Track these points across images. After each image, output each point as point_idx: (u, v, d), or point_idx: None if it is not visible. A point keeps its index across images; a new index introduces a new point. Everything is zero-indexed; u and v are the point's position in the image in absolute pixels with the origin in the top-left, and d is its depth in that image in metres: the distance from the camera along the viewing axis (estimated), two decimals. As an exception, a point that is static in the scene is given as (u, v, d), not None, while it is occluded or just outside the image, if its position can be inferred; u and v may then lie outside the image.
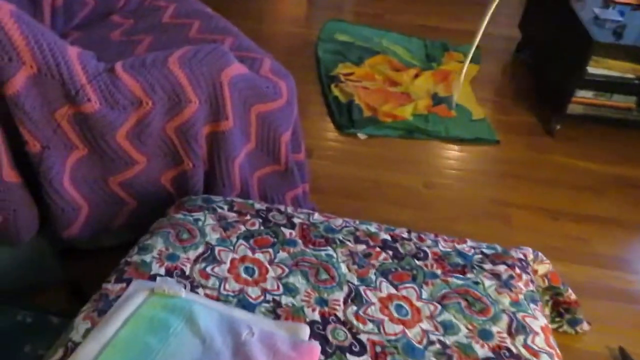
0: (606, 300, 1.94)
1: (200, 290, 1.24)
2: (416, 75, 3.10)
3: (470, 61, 3.28)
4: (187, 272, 1.29)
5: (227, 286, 1.26)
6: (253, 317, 1.16)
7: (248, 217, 1.53)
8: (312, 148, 2.52)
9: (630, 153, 2.71)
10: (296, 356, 1.05)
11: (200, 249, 1.37)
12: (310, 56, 3.33)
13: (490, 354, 1.16)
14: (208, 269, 1.30)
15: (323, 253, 1.42)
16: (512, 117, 2.91)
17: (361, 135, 2.64)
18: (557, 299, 1.71)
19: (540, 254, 1.59)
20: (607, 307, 1.92)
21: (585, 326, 1.75)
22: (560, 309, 1.74)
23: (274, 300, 1.24)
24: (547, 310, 1.72)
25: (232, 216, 1.52)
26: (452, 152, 2.65)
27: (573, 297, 1.70)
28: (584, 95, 2.64)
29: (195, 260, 1.33)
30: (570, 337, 1.76)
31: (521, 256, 1.51)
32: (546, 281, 1.65)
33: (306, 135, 2.46)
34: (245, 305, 1.21)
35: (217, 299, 1.22)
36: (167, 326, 1.07)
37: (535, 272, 1.57)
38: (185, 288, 1.22)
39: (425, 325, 1.23)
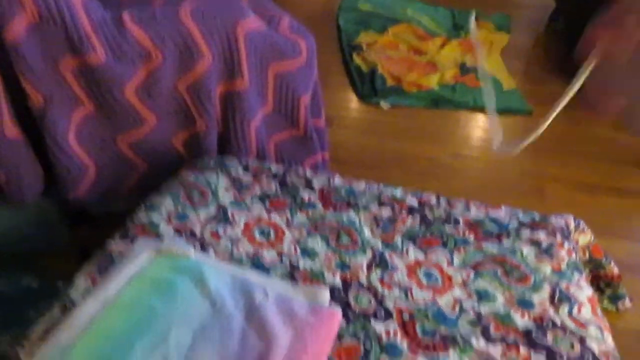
0: (649, 277, 1.80)
1: (211, 251, 1.14)
2: (442, 45, 2.94)
3: (500, 30, 3.12)
4: (198, 233, 1.19)
5: (240, 248, 1.16)
6: (268, 280, 1.06)
7: (264, 179, 1.42)
8: (332, 118, 2.39)
9: (673, 126, 2.52)
10: (315, 321, 0.95)
11: (212, 210, 1.27)
12: (331, 25, 3.19)
13: (532, 324, 1.04)
14: (220, 230, 1.20)
15: (344, 217, 1.30)
16: (546, 87, 2.73)
17: (384, 105, 2.51)
18: (597, 273, 1.57)
19: (582, 222, 1.46)
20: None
21: (627, 302, 1.62)
22: (600, 284, 1.60)
23: (290, 264, 1.13)
24: (588, 286, 1.59)
25: (246, 178, 1.42)
26: (481, 123, 2.50)
27: (616, 271, 1.56)
28: (625, 63, 2.46)
29: (207, 221, 1.23)
30: (611, 315, 1.62)
31: (562, 224, 1.38)
32: (587, 253, 1.51)
33: (326, 105, 2.34)
34: (260, 268, 1.11)
35: (229, 261, 1.12)
36: (174, 288, 0.98)
37: (576, 242, 1.44)
38: (194, 248, 1.12)
39: (458, 292, 1.11)
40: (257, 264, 1.12)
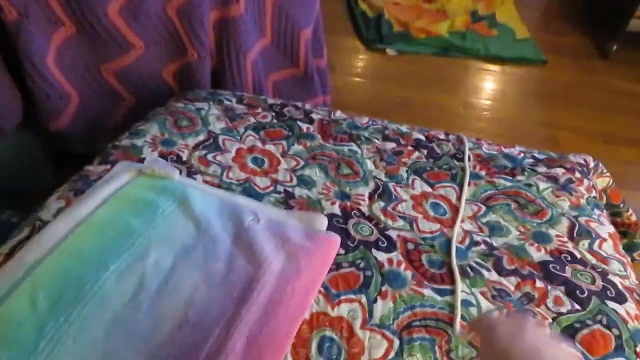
0: (667, 230, 1.70)
1: (198, 176, 1.04)
2: (453, -8, 2.79)
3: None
4: (185, 158, 1.09)
5: (230, 174, 1.06)
6: (260, 204, 0.97)
7: (259, 110, 1.32)
8: (335, 64, 2.27)
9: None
10: (310, 246, 0.85)
11: (202, 137, 1.17)
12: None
13: (548, 257, 0.94)
14: (209, 156, 1.10)
15: (346, 148, 1.20)
16: (561, 37, 2.60)
17: (390, 52, 2.38)
18: (614, 220, 1.46)
19: (601, 164, 1.35)
20: (668, 236, 1.67)
21: (643, 253, 1.52)
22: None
23: (285, 191, 1.04)
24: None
25: (240, 108, 1.31)
26: (493, 72, 2.37)
27: (633, 218, 1.46)
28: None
29: (195, 147, 1.13)
30: (626, 265, 1.53)
31: (581, 161, 1.28)
32: (605, 198, 1.41)
33: (330, 51, 2.21)
34: (252, 194, 1.01)
35: (219, 187, 1.02)
36: (154, 207, 0.88)
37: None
38: (181, 173, 1.03)
39: (468, 225, 1.01)
40: (249, 190, 1.02)
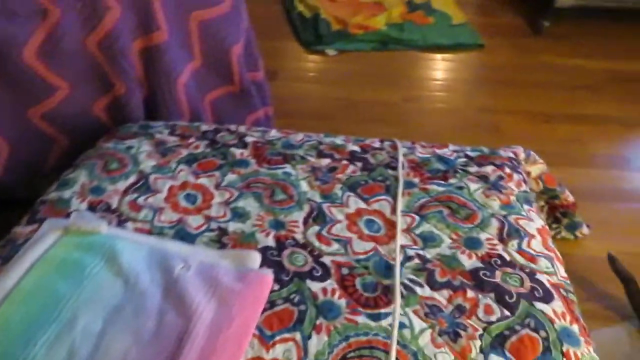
0: (607, 202, 1.77)
1: (129, 224, 1.03)
2: (388, -18, 2.79)
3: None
4: (115, 206, 1.07)
5: (162, 217, 1.05)
6: (191, 248, 0.97)
7: (192, 139, 1.30)
8: (276, 70, 2.26)
9: (626, 46, 2.47)
10: (242, 288, 0.86)
11: (132, 179, 1.15)
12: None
13: (479, 264, 0.97)
14: (140, 200, 1.09)
15: (280, 171, 1.21)
16: (496, 18, 2.64)
17: (330, 52, 2.38)
18: (553, 203, 1.52)
19: (532, 153, 1.39)
20: (608, 209, 1.74)
21: (585, 230, 1.58)
22: (557, 214, 1.55)
23: (219, 228, 1.04)
24: (543, 217, 1.54)
25: (172, 140, 1.30)
26: (433, 62, 2.40)
27: (570, 199, 1.51)
28: (574, -17, 2.37)
29: (125, 192, 1.11)
30: (569, 244, 1.58)
31: (511, 155, 1.31)
32: (540, 183, 1.45)
33: (269, 57, 2.20)
34: (184, 236, 1.01)
35: (150, 233, 1.02)
36: (81, 267, 0.87)
37: (528, 174, 1.38)
38: (110, 223, 1.01)
39: (402, 240, 1.03)
40: (181, 232, 1.02)
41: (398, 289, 0.90)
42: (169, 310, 0.82)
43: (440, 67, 2.38)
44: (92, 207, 1.06)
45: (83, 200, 1.08)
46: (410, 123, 2.08)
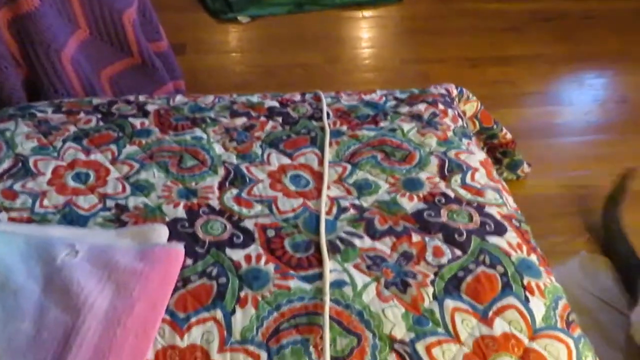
0: (542, 138, 1.72)
1: (2, 214, 0.84)
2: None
3: None
4: (-17, 196, 0.88)
5: (45, 202, 0.87)
6: (81, 231, 0.79)
7: (82, 115, 1.11)
8: (185, 42, 2.06)
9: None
10: (144, 267, 0.70)
11: (6, 164, 0.95)
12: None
13: (422, 205, 0.86)
14: (17, 186, 0.90)
15: (188, 136, 1.04)
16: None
17: (242, 19, 2.20)
18: (492, 143, 1.44)
19: (465, 90, 1.30)
20: (545, 144, 1.70)
21: (526, 168, 1.52)
22: (497, 155, 1.48)
23: (117, 205, 0.86)
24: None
25: (57, 118, 1.10)
26: (353, 20, 2.28)
27: (509, 136, 1.44)
28: None
29: (-2, 179, 0.92)
30: (512, 184, 1.50)
31: (443, 91, 1.21)
32: (477, 123, 1.37)
33: (176, 29, 2.00)
34: (73, 219, 0.83)
35: (29, 221, 0.83)
36: None
37: (464, 113, 1.28)
38: (-23, 217, 0.82)
39: (334, 191, 0.90)
40: (70, 215, 0.84)
41: (324, 243, 0.77)
42: (51, 307, 0.65)
43: (360, 25, 2.26)
44: (-47, 202, 0.86)
45: (-58, 195, 0.87)
46: (335, 84, 1.95)
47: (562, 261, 1.34)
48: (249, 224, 0.83)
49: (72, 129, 1.06)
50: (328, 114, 1.12)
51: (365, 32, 2.23)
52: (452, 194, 0.88)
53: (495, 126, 1.40)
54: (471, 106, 1.33)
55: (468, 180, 0.91)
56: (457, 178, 0.92)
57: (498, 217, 0.84)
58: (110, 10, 1.39)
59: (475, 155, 0.99)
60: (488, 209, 0.85)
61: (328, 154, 0.98)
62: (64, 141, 1.02)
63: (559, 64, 2.05)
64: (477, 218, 0.83)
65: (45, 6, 1.24)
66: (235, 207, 0.86)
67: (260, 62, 2.03)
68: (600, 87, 1.95)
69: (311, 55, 2.06)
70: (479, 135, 1.40)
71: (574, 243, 1.40)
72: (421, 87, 1.90)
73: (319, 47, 2.11)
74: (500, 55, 2.05)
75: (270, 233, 0.81)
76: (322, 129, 1.06)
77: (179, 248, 0.75)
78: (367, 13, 2.31)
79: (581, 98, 1.89)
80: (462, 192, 0.89)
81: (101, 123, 1.08)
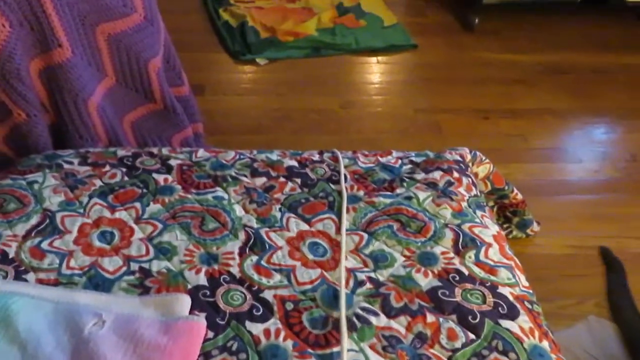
0: (552, 195, 1.75)
1: (30, 275, 0.87)
2: (315, -13, 2.72)
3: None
4: (12, 255, 0.90)
5: (71, 263, 0.90)
6: (107, 298, 0.82)
7: (107, 168, 1.15)
8: (203, 83, 2.12)
9: (554, 38, 2.50)
10: (168, 342, 0.72)
11: (34, 220, 0.98)
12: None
13: (437, 282, 0.88)
14: (44, 244, 0.93)
15: (210, 196, 1.07)
16: (427, 18, 2.62)
17: (260, 61, 2.26)
18: (502, 203, 1.47)
19: (478, 153, 1.33)
20: (554, 202, 1.73)
21: (535, 227, 1.54)
22: (507, 214, 1.51)
23: (140, 269, 0.89)
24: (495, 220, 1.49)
25: (84, 170, 1.14)
26: (368, 65, 2.33)
27: (519, 197, 1.47)
28: (499, -20, 2.39)
29: (26, 236, 0.94)
30: (521, 243, 1.54)
31: (458, 157, 1.24)
32: (489, 184, 1.40)
33: (195, 70, 2.07)
34: (99, 283, 0.86)
35: (57, 283, 0.86)
36: (-35, 339, 0.71)
37: (475, 175, 1.31)
38: (5, 277, 0.85)
39: (351, 262, 0.93)
40: (95, 279, 0.87)
41: (344, 323, 0.79)
42: (77, 382, 0.67)
43: (375, 70, 2.31)
44: (-17, 260, 0.89)
45: (-29, 252, 0.91)
46: (349, 130, 2.00)
47: (569, 325, 1.35)
48: (268, 295, 0.85)
49: (98, 183, 1.10)
50: (345, 177, 1.15)
51: (380, 78, 2.28)
52: (466, 272, 0.90)
53: (506, 187, 1.43)
54: (484, 168, 1.36)
55: (482, 256, 0.94)
56: (471, 254, 0.94)
57: (511, 298, 0.86)
58: (137, 59, 1.43)
59: (489, 230, 1.01)
60: (501, 290, 0.87)
61: (345, 222, 1.01)
62: (90, 197, 1.05)
63: (570, 118, 2.08)
64: (490, 299, 0.85)
65: (77, 57, 1.29)
66: (255, 277, 0.88)
67: (276, 105, 2.08)
68: (610, 144, 1.98)
69: (326, 100, 2.11)
70: (489, 195, 1.43)
71: (582, 306, 1.41)
72: (434, 138, 1.96)
73: (334, 92, 2.16)
74: (512, 108, 2.09)
75: (289, 306, 0.83)
76: (340, 193, 1.09)
77: (201, 322, 0.77)
78: (382, 58, 2.36)
79: (591, 155, 1.92)
80: (476, 270, 0.91)
81: (126, 178, 1.12)
